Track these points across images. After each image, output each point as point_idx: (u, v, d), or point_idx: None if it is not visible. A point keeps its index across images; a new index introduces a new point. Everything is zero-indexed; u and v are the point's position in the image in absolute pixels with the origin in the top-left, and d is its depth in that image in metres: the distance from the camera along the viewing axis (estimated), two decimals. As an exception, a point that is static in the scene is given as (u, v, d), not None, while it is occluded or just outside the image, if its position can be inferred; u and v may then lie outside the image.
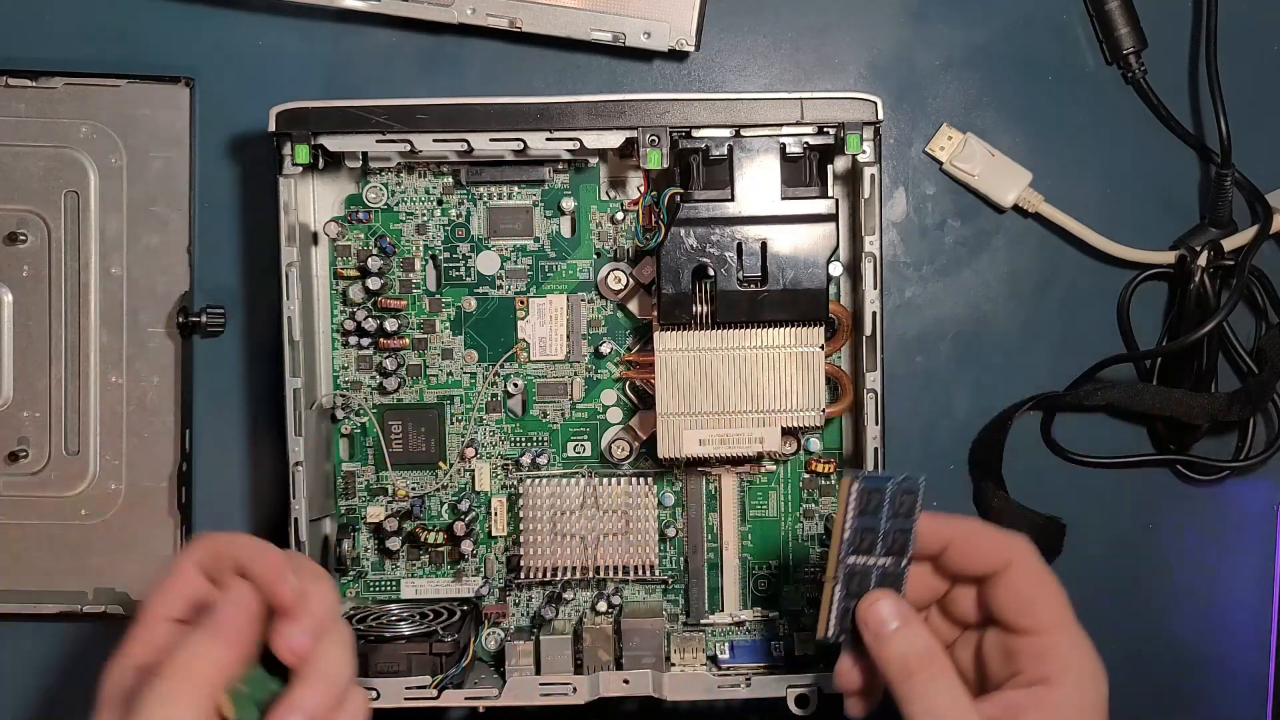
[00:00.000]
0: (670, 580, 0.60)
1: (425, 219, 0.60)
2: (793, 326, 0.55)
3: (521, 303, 0.60)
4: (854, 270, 0.58)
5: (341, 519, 0.60)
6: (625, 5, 0.59)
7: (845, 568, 0.47)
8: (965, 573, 0.47)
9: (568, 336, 0.60)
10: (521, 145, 0.56)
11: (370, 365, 0.60)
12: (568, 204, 0.59)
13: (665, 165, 0.55)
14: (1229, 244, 0.60)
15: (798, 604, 0.60)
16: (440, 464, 0.60)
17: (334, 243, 0.59)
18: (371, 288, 0.58)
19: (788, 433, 0.58)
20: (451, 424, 0.60)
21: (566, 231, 0.60)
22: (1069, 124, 0.62)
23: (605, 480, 0.58)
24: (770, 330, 0.56)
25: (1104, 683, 0.45)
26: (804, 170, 0.56)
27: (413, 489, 0.60)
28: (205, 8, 0.62)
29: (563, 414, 0.60)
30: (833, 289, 0.59)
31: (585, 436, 0.60)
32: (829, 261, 0.55)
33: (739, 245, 0.55)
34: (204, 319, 0.60)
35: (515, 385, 0.60)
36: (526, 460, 0.59)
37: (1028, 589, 0.45)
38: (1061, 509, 0.61)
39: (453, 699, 0.56)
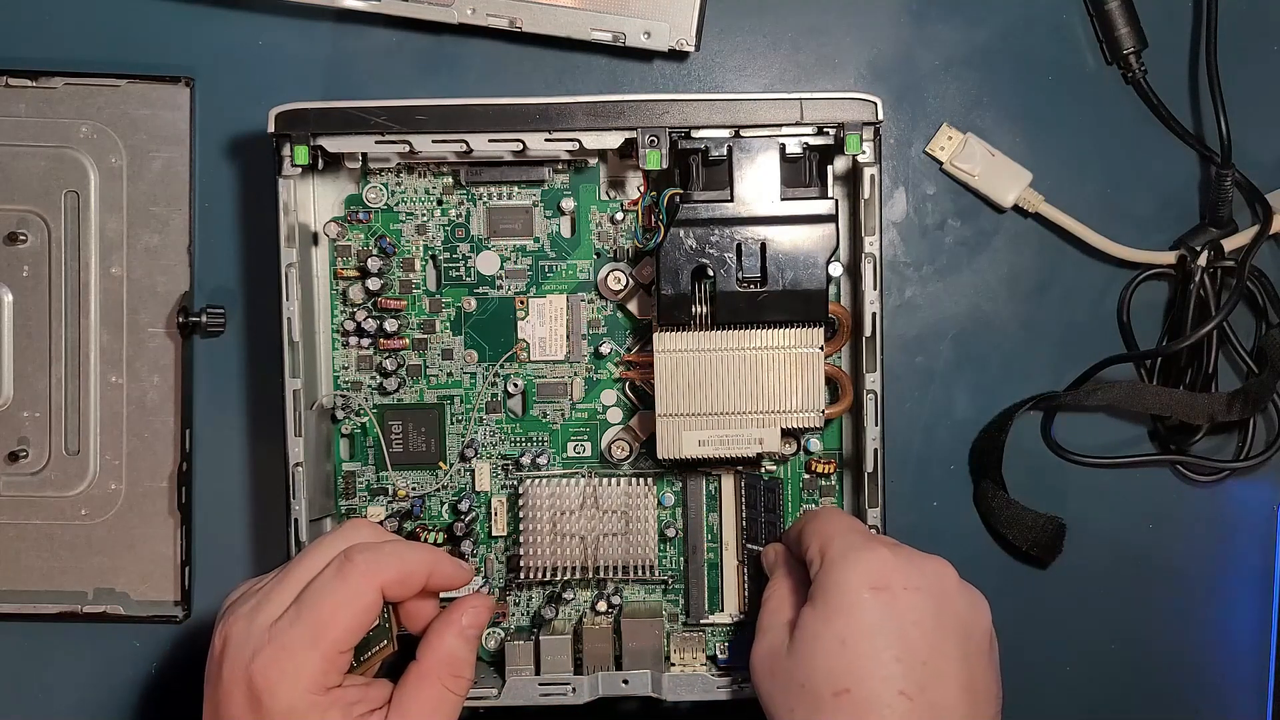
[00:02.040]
0: (670, 580, 0.60)
1: (425, 219, 0.60)
2: (792, 327, 0.55)
3: (521, 303, 0.60)
4: (854, 271, 0.58)
5: (342, 519, 0.60)
6: (625, 5, 0.59)
7: (747, 551, 0.58)
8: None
9: (568, 337, 0.60)
10: (521, 146, 0.56)
11: (370, 365, 0.60)
12: (567, 204, 0.59)
13: (665, 166, 0.55)
14: (1229, 244, 0.60)
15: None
16: (440, 464, 0.60)
17: (334, 243, 0.59)
18: (371, 288, 0.58)
19: (787, 433, 0.58)
20: (451, 424, 0.60)
21: (566, 231, 0.60)
22: (1069, 124, 0.62)
23: (605, 480, 0.58)
24: (770, 331, 0.55)
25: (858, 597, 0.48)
26: (804, 170, 0.56)
27: (413, 489, 0.60)
28: (205, 8, 0.62)
29: (563, 414, 0.60)
30: (833, 289, 0.59)
31: (585, 437, 0.60)
32: (829, 262, 0.55)
33: (738, 246, 0.55)
34: (204, 319, 0.61)
35: (515, 385, 0.60)
36: (526, 460, 0.59)
37: (801, 543, 0.53)
38: (1061, 509, 0.61)
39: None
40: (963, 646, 0.48)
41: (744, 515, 0.59)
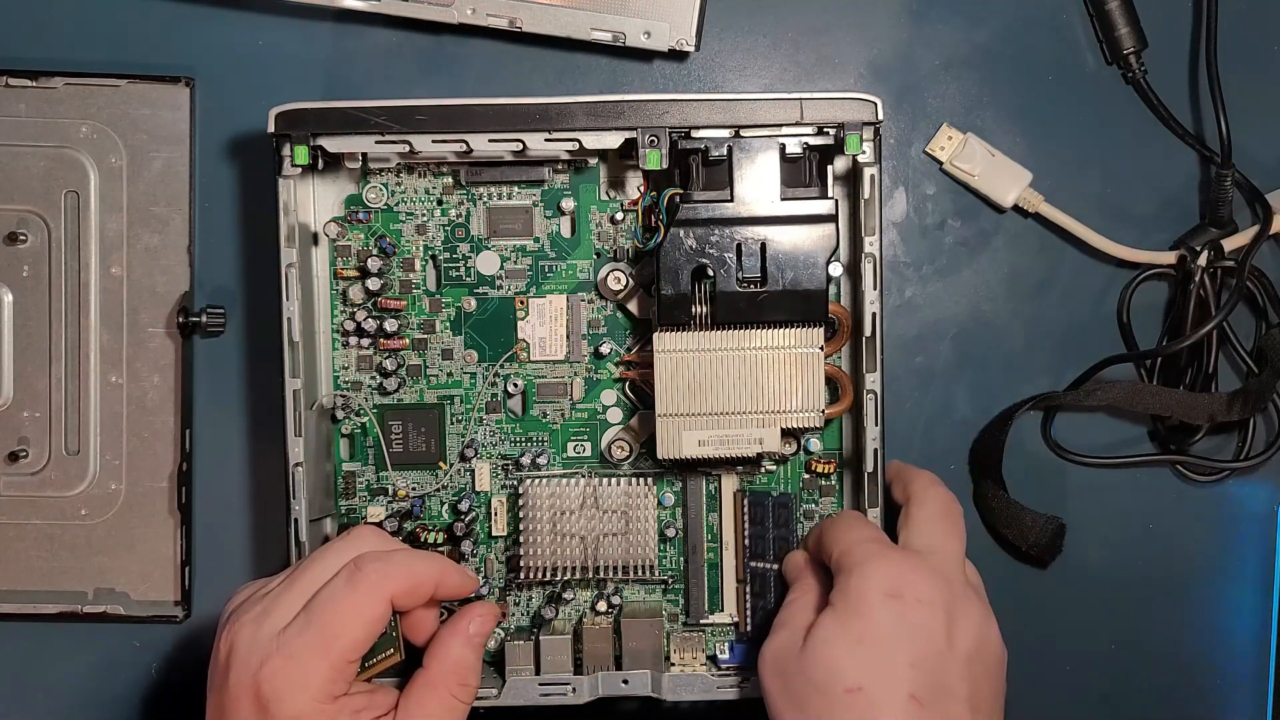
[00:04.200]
0: (670, 580, 0.60)
1: (425, 219, 0.60)
2: (792, 327, 0.55)
3: (521, 303, 0.60)
4: (854, 271, 0.58)
5: (342, 519, 0.60)
6: (625, 5, 0.59)
7: (749, 570, 0.58)
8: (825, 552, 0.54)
9: (568, 336, 0.60)
10: (521, 146, 0.56)
11: (370, 365, 0.60)
12: (567, 204, 0.59)
13: (665, 166, 0.55)
14: (1229, 244, 0.60)
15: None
16: (440, 464, 0.60)
17: (334, 243, 0.59)
18: (371, 288, 0.58)
19: (787, 433, 0.58)
20: (451, 424, 0.60)
21: (566, 231, 0.60)
22: (1069, 124, 0.62)
23: (605, 480, 0.58)
24: (770, 331, 0.55)
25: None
26: (804, 170, 0.56)
27: (413, 489, 0.60)
28: (205, 8, 0.62)
29: (563, 414, 0.60)
30: (833, 289, 0.59)
31: (585, 437, 0.60)
32: (829, 262, 0.55)
33: (738, 246, 0.55)
34: (204, 319, 0.61)
35: (515, 385, 0.60)
36: (526, 460, 0.59)
37: (821, 549, 0.54)
38: (1061, 509, 0.61)
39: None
40: (970, 666, 0.48)
41: (746, 533, 0.58)
